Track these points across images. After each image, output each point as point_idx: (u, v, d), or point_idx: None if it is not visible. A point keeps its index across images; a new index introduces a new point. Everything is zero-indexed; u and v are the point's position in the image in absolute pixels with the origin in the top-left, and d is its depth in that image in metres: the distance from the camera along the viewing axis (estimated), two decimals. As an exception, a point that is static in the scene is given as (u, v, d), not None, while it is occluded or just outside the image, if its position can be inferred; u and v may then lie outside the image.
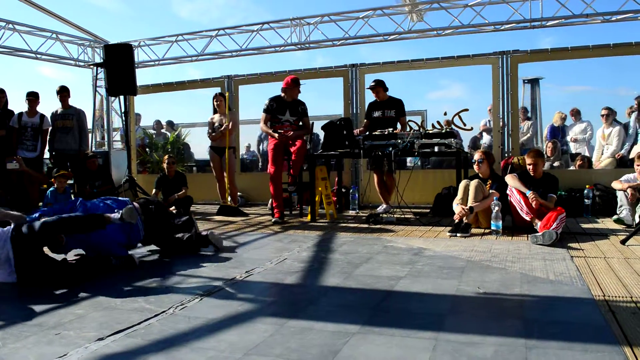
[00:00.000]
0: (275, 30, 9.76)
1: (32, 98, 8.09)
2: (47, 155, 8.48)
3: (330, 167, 7.85)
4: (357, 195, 7.87)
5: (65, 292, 3.41)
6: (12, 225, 3.72)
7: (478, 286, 3.22)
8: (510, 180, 5.58)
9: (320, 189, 7.05)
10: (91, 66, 11.03)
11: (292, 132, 6.89)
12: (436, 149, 6.58)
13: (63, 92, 8.32)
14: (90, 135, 9.79)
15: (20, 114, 8.01)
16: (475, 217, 5.57)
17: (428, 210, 7.51)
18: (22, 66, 56.09)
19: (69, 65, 11.20)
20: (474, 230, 5.48)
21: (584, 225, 6.02)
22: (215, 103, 8.31)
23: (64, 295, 3.31)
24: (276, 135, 6.88)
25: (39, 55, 10.39)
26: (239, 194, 8.77)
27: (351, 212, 7.70)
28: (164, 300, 3.11)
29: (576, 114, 9.44)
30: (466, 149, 9.22)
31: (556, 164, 8.51)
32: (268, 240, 5.43)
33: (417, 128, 6.57)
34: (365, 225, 6.27)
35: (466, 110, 6.48)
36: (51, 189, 6.79)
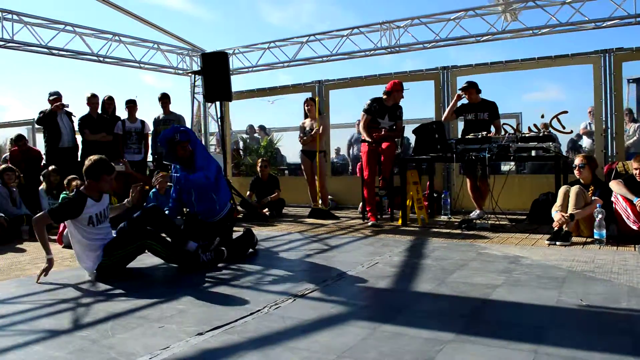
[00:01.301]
0: (365, 35, 9.79)
1: (132, 105, 8.66)
2: (149, 158, 9.01)
3: (422, 171, 7.75)
4: (449, 200, 7.72)
5: (167, 288, 3.61)
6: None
7: (580, 298, 3.07)
8: (616, 186, 5.27)
9: (411, 193, 6.99)
10: (189, 74, 11.57)
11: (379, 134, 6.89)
12: (533, 153, 6.33)
13: (164, 99, 8.82)
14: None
15: (123, 120, 8.57)
16: (576, 225, 5.32)
17: (524, 217, 7.24)
18: (127, 75, 59.60)
19: (169, 73, 11.82)
20: (574, 239, 5.23)
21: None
22: (306, 108, 8.46)
23: (166, 291, 3.50)
24: (369, 140, 6.93)
25: (142, 65, 11.03)
26: (329, 197, 8.87)
27: (443, 218, 7.57)
28: (259, 300, 3.21)
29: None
30: (564, 153, 8.81)
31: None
32: (359, 244, 5.46)
33: (512, 131, 6.37)
34: (458, 231, 6.15)
35: (565, 112, 6.21)
36: (153, 190, 7.16)
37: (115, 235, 4.23)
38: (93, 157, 4.09)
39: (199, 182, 4.81)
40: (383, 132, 6.91)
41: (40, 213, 4.09)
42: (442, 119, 7.51)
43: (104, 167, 4.08)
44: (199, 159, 4.96)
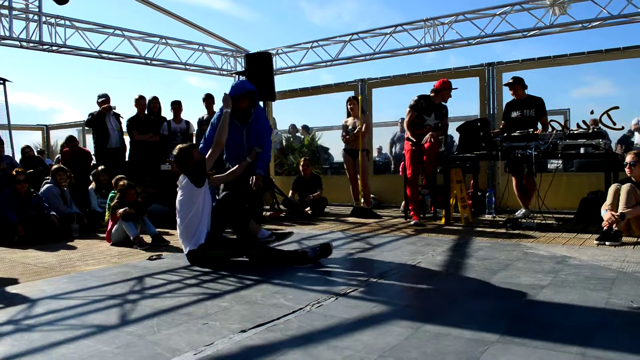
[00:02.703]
0: (409, 32, 9.70)
1: (177, 106, 8.85)
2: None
3: (466, 170, 7.64)
4: (493, 198, 7.58)
5: (211, 285, 3.67)
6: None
7: (631, 300, 2.96)
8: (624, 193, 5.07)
9: (455, 191, 6.90)
10: (233, 74, 11.73)
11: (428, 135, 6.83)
12: (582, 150, 6.15)
13: (208, 100, 8.96)
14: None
15: (169, 121, 8.76)
16: (626, 224, 5.13)
17: (572, 216, 7.05)
18: (172, 76, 60.89)
19: (213, 74, 12.02)
20: (625, 239, 5.05)
21: None
22: (349, 106, 8.46)
23: (210, 289, 3.56)
24: (413, 139, 6.89)
25: (187, 66, 11.25)
26: (371, 195, 8.84)
27: (487, 217, 7.44)
28: (301, 298, 3.23)
29: None
30: (615, 150, 8.52)
31: None
32: (402, 243, 5.42)
33: (560, 128, 6.20)
34: (503, 231, 6.03)
35: (616, 108, 6.01)
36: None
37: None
38: (181, 146, 4.61)
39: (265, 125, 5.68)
40: (429, 135, 6.84)
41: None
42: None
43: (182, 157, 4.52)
44: (255, 119, 5.71)
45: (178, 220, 4.45)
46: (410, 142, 7.00)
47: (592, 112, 6.24)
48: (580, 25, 8.31)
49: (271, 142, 5.87)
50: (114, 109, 8.50)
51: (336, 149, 11.75)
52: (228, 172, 5.26)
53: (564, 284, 3.41)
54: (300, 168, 8.87)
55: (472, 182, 8.01)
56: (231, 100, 5.40)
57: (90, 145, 10.23)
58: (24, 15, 8.65)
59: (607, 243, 4.90)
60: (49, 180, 7.18)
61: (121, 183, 6.07)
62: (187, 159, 4.48)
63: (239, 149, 5.72)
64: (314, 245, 4.52)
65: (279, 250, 4.63)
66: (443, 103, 7.04)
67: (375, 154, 12.13)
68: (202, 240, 4.38)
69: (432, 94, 7.00)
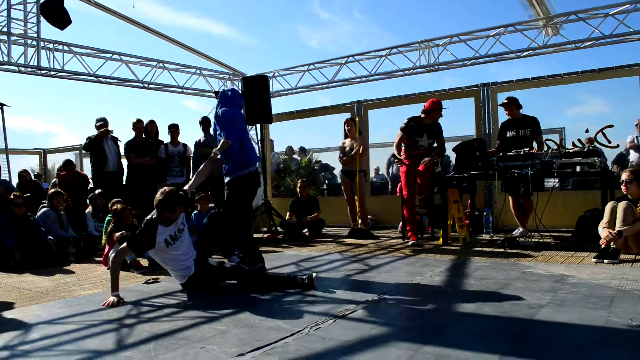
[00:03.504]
0: (404, 54, 9.79)
1: (174, 129, 8.88)
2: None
3: (463, 189, 7.65)
4: (491, 218, 7.59)
5: (209, 308, 3.64)
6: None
7: (631, 318, 2.95)
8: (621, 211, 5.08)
9: (452, 211, 6.90)
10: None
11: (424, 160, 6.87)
12: (578, 168, 6.17)
13: (205, 123, 8.98)
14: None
15: (166, 144, 8.78)
16: (624, 242, 5.12)
17: (570, 234, 7.05)
18: (170, 100, 61.20)
19: (210, 97, 12.07)
20: (623, 257, 5.06)
21: None
22: (346, 128, 8.49)
23: (208, 312, 3.54)
24: (400, 158, 6.95)
25: (184, 90, 11.32)
26: (369, 216, 8.83)
27: (485, 236, 7.44)
28: (300, 320, 3.21)
29: None
30: (611, 168, 8.55)
31: None
32: (400, 264, 5.40)
33: (555, 147, 6.23)
34: (501, 250, 6.03)
35: (611, 126, 6.04)
36: (195, 211, 7.29)
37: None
38: (162, 192, 4.20)
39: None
40: (423, 157, 6.89)
41: (121, 247, 4.24)
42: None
43: (167, 205, 4.15)
44: None
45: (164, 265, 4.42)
46: (405, 164, 7.03)
47: (587, 131, 6.27)
48: (573, 45, 8.40)
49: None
50: (112, 132, 8.53)
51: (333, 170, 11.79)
52: (197, 172, 5.06)
53: (563, 303, 3.40)
54: (298, 190, 8.87)
55: (469, 201, 8.01)
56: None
57: (87, 169, 10.24)
58: (22, 41, 8.71)
59: (605, 261, 4.90)
60: (45, 204, 7.16)
61: (114, 207, 6.06)
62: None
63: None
64: (303, 274, 4.45)
65: (269, 274, 4.59)
66: (437, 121, 7.07)
67: (372, 174, 12.14)
68: (192, 270, 4.30)
69: (422, 115, 7.05)
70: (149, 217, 4.28)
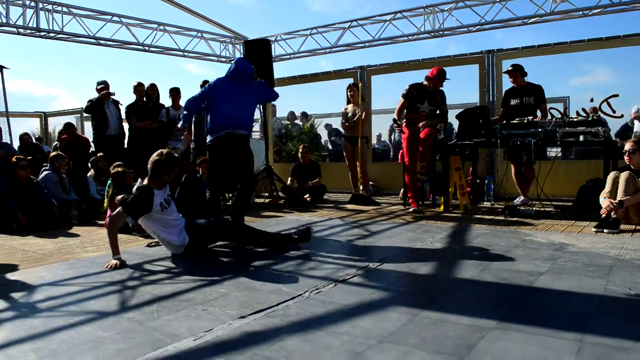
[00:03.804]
0: (408, 19, 9.65)
1: (175, 93, 8.82)
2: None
3: (465, 157, 7.64)
4: (492, 186, 7.59)
5: (211, 272, 3.68)
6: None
7: (629, 287, 2.98)
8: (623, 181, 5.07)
9: (454, 179, 6.90)
10: (232, 61, 11.65)
11: (421, 123, 6.85)
12: (581, 138, 6.15)
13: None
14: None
15: (167, 108, 8.73)
16: (625, 212, 5.14)
17: (570, 204, 7.06)
18: (171, 63, 60.70)
19: (211, 61, 11.97)
20: (623, 227, 5.07)
21: None
22: (349, 93, 8.43)
23: (210, 275, 3.56)
24: (399, 123, 6.98)
25: (185, 53, 11.20)
26: (370, 183, 8.84)
27: (486, 204, 7.46)
28: (300, 284, 3.25)
29: None
30: (614, 138, 8.51)
31: None
32: (400, 230, 5.43)
33: (559, 116, 6.19)
34: (501, 218, 6.05)
35: (616, 95, 5.98)
36: (197, 175, 7.30)
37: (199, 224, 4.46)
38: (160, 155, 4.22)
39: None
40: (422, 122, 6.87)
41: (116, 211, 4.25)
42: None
43: (166, 168, 4.20)
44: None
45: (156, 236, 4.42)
46: (407, 128, 7.00)
47: (591, 100, 6.22)
48: (581, 12, 8.27)
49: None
50: (113, 95, 8.46)
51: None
52: None
53: (562, 271, 3.42)
54: (299, 155, 8.86)
55: (471, 169, 8.01)
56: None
57: (88, 133, 10.21)
58: (20, 2, 8.58)
59: (605, 230, 4.91)
60: (47, 167, 7.17)
61: (115, 170, 6.06)
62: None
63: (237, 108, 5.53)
64: (295, 229, 4.53)
65: (265, 231, 4.62)
66: (440, 89, 7.01)
67: (374, 141, 12.12)
68: (187, 239, 4.31)
69: (425, 82, 6.99)
70: (138, 184, 4.30)
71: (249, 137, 5.69)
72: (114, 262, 3.92)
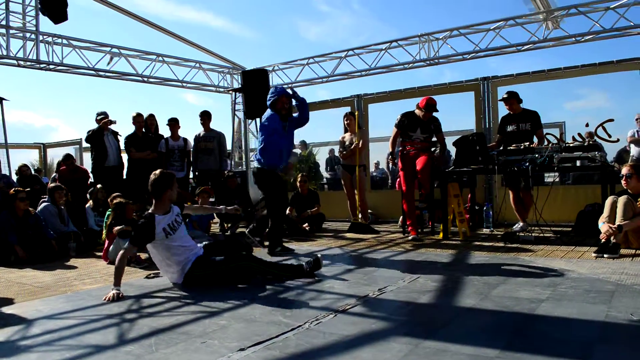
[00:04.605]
0: (404, 48, 9.79)
1: (174, 123, 8.85)
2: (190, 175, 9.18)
3: (463, 184, 7.65)
4: (491, 212, 7.59)
5: (209, 303, 3.65)
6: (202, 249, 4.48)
7: (631, 313, 2.96)
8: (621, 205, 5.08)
9: (452, 206, 6.90)
10: (230, 91, 11.77)
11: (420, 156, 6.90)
12: (578, 163, 6.17)
13: (205, 117, 8.97)
14: (229, 155, 10.42)
15: (166, 139, 8.76)
16: (624, 236, 5.13)
17: (570, 229, 7.06)
18: (169, 94, 61.16)
19: (210, 91, 12.08)
20: (623, 251, 5.05)
21: None
22: (345, 122, 8.48)
23: (208, 307, 3.54)
24: (391, 156, 7.06)
25: (184, 84, 11.31)
26: (369, 211, 8.83)
27: (485, 231, 7.44)
28: (300, 315, 3.21)
29: None
30: (611, 163, 8.54)
31: None
32: (400, 258, 5.41)
33: (555, 141, 6.22)
34: (501, 244, 6.03)
35: (611, 120, 6.03)
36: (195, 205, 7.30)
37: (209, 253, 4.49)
38: (154, 174, 4.33)
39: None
40: (420, 150, 6.93)
41: (125, 246, 4.31)
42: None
43: (165, 183, 4.29)
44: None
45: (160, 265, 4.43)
46: (402, 157, 7.05)
47: (587, 125, 6.27)
48: (574, 39, 8.39)
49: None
50: (114, 123, 8.47)
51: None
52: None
53: (563, 298, 3.40)
54: (298, 184, 8.86)
55: (469, 196, 8.02)
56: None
57: (87, 164, 10.22)
58: (21, 34, 8.69)
59: (605, 255, 4.90)
60: (46, 199, 7.16)
61: (115, 201, 6.06)
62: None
63: (278, 145, 5.96)
64: (307, 259, 4.54)
65: (276, 262, 4.62)
66: (433, 116, 7.04)
67: (372, 169, 12.14)
68: (189, 265, 4.30)
69: (417, 111, 7.04)
70: (145, 213, 4.33)
71: None
72: (112, 293, 3.90)
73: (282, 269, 4.50)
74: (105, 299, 3.84)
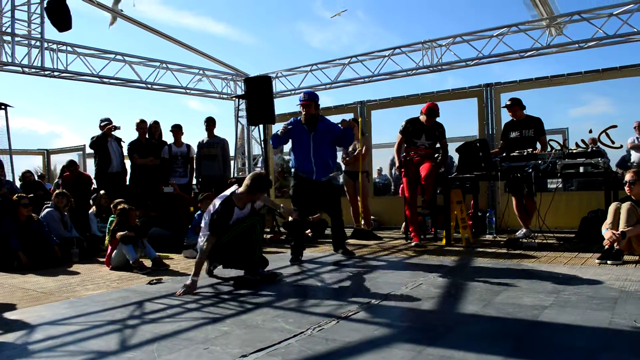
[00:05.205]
0: (407, 54, 9.80)
1: (177, 130, 8.86)
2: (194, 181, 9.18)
3: (466, 190, 7.64)
4: (494, 219, 7.58)
5: (212, 309, 3.65)
6: None
7: (635, 320, 2.94)
8: (624, 212, 5.07)
9: (455, 212, 6.89)
10: (233, 98, 11.81)
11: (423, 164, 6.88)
12: (581, 169, 6.16)
13: (209, 123, 8.99)
14: (232, 162, 10.43)
15: (170, 145, 8.77)
16: (627, 243, 5.11)
17: (573, 235, 7.04)
18: (173, 101, 61.37)
19: (213, 98, 12.12)
20: (626, 257, 5.04)
21: None
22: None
23: (211, 313, 3.54)
24: (397, 164, 7.13)
25: (188, 91, 11.35)
26: (372, 217, 8.83)
27: (488, 237, 7.43)
28: (302, 321, 3.21)
29: None
30: (614, 169, 8.53)
31: None
32: (403, 265, 5.40)
33: (558, 147, 6.22)
34: (504, 251, 6.02)
35: (614, 126, 6.02)
36: (198, 212, 7.28)
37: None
38: (263, 172, 4.63)
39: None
40: (425, 157, 6.91)
41: (206, 237, 4.49)
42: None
43: (265, 186, 4.58)
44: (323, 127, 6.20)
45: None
46: (405, 163, 7.03)
47: (590, 131, 6.27)
48: (577, 45, 8.39)
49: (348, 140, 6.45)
50: (119, 128, 8.50)
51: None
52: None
53: (566, 304, 3.39)
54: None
55: (472, 202, 8.00)
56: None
57: (90, 170, 10.24)
58: (26, 42, 8.74)
59: (608, 262, 4.88)
60: (49, 205, 7.18)
61: (119, 207, 6.07)
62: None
63: (304, 151, 6.07)
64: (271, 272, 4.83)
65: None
66: (437, 122, 7.04)
67: (375, 175, 12.14)
68: None
69: (421, 117, 7.04)
70: (223, 195, 4.57)
71: None
72: (189, 282, 4.22)
73: (262, 257, 4.74)
74: (178, 294, 4.11)
